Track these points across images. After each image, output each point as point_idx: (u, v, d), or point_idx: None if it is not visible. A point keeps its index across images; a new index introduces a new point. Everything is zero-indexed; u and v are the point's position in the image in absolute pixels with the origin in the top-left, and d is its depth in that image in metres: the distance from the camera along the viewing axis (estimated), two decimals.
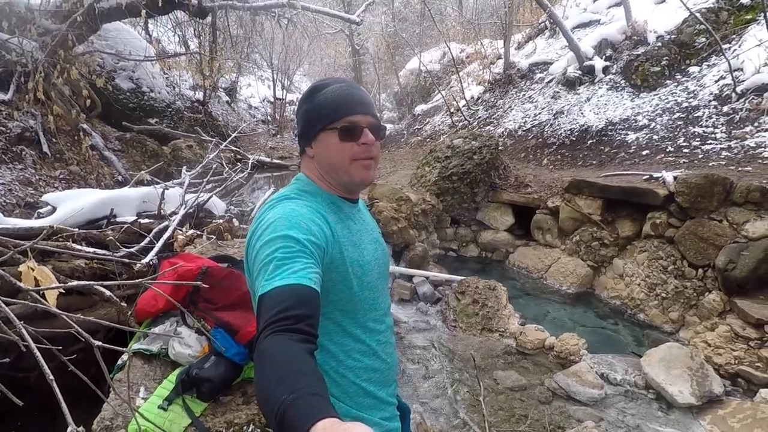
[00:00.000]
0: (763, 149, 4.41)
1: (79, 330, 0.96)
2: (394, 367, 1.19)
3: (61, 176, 5.69)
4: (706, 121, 5.19)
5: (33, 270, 0.80)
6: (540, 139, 7.24)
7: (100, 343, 0.89)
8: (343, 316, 1.04)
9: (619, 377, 3.19)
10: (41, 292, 0.84)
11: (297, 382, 0.66)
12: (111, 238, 3.19)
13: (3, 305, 0.93)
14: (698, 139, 5.06)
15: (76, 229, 3.09)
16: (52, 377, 0.78)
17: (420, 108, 12.50)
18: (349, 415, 1.04)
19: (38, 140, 5.63)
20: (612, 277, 4.67)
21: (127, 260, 2.97)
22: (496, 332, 3.94)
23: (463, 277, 4.58)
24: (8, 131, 5.46)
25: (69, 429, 0.74)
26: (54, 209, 3.51)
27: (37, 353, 0.79)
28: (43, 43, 5.94)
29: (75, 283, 1.12)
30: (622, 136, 5.97)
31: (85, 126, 6.24)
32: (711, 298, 3.68)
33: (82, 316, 0.97)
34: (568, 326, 4.20)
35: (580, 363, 3.34)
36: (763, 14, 5.08)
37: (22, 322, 0.97)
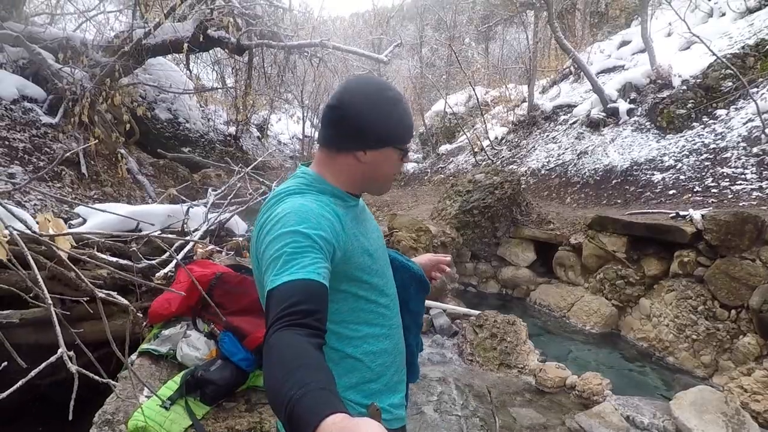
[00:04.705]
0: None
1: (86, 280, 0.98)
2: (404, 352, 1.21)
3: (95, 196, 5.94)
4: (735, 162, 5.07)
5: (49, 221, 0.84)
6: (563, 179, 7.18)
7: (104, 294, 0.91)
8: (356, 301, 1.06)
9: (646, 420, 2.97)
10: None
11: (305, 377, 0.67)
12: (134, 249, 3.27)
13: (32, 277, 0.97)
14: (727, 179, 4.93)
15: (101, 239, 3.19)
16: (66, 350, 0.79)
17: (444, 148, 12.65)
18: (360, 403, 1.04)
19: (78, 161, 5.94)
20: (638, 317, 4.46)
21: (146, 271, 3.03)
22: (515, 368, 3.77)
23: (481, 311, 4.45)
24: (52, 152, 5.79)
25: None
26: (84, 221, 3.65)
27: (56, 321, 0.81)
28: (93, 74, 6.40)
29: (84, 230, 1.15)
30: (648, 176, 5.87)
31: (122, 151, 6.57)
32: (746, 341, 3.45)
33: (94, 270, 0.99)
34: (592, 367, 3.99)
35: (603, 403, 3.14)
36: None
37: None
